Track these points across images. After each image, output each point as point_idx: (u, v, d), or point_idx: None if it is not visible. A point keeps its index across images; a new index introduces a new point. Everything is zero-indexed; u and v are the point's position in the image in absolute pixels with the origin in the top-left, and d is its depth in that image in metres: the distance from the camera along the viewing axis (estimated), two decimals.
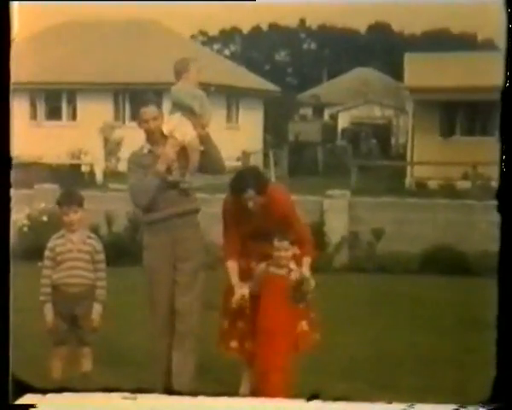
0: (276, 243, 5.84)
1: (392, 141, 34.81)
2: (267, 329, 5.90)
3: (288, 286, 5.90)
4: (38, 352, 6.34)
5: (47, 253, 6.08)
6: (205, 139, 6.08)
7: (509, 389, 4.61)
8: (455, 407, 4.94)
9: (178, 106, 6.03)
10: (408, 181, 24.38)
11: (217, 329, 6.41)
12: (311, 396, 5.08)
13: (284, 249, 5.85)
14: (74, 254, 6.05)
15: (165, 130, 5.95)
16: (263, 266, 5.98)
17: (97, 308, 6.07)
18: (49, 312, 6.02)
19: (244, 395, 6.18)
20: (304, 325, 6.18)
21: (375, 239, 12.22)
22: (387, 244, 12.14)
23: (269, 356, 5.89)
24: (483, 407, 4.72)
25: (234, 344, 6.30)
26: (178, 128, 5.94)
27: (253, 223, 6.02)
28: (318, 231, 12.34)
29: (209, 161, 6.08)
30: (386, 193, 16.52)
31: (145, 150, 5.99)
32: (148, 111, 5.94)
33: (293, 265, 5.95)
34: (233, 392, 5.36)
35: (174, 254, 5.95)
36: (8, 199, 4.68)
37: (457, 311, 9.25)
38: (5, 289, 4.63)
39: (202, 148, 6.04)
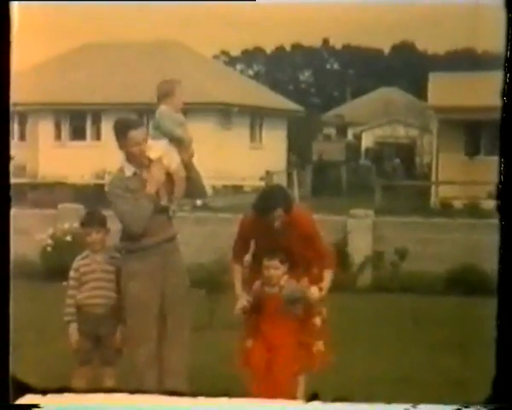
0: (266, 262, 5.88)
1: (417, 160, 34.65)
2: (270, 347, 5.94)
3: (280, 303, 5.91)
4: (63, 371, 6.32)
5: (72, 273, 6.07)
6: (189, 166, 6.03)
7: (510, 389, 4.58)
8: (456, 407, 4.89)
9: (162, 131, 5.94)
10: (432, 200, 24.25)
11: (235, 349, 6.38)
12: (311, 396, 5.04)
13: (274, 268, 5.88)
14: (98, 275, 6.03)
15: (153, 155, 5.84)
16: (258, 284, 6.00)
17: (121, 329, 6.02)
18: (74, 332, 5.99)
19: None
20: (320, 345, 6.16)
21: (399, 259, 12.13)
22: (411, 264, 12.05)
23: (274, 374, 5.92)
24: (484, 407, 4.67)
25: (257, 363, 6.26)
26: (165, 154, 5.88)
27: (274, 241, 6.01)
28: (342, 250, 12.30)
29: (192, 187, 6.05)
30: (411, 213, 16.41)
31: (129, 173, 5.87)
32: (138, 134, 5.84)
33: (284, 282, 5.94)
34: (233, 392, 5.30)
35: (164, 279, 5.84)
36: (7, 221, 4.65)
37: (482, 331, 9.14)
38: (5, 287, 4.60)
39: (186, 174, 5.99)
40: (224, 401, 5.10)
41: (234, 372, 6.30)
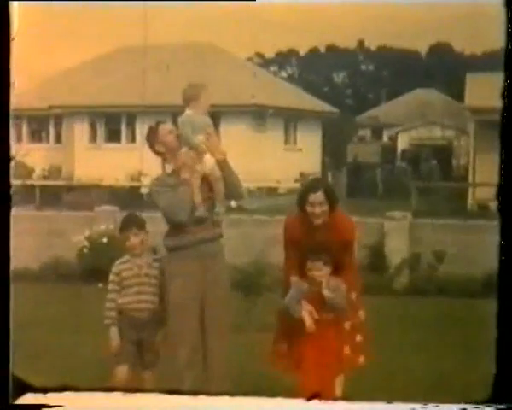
0: (310, 263, 5.83)
1: (454, 162, 34.38)
2: (313, 348, 5.91)
3: (322, 305, 5.88)
4: (100, 372, 6.31)
5: (112, 277, 5.99)
6: (223, 166, 6.01)
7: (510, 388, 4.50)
8: (456, 407, 4.82)
9: (182, 139, 5.95)
10: (469, 202, 24.02)
11: (270, 351, 6.35)
12: (311, 396, 4.98)
13: (317, 269, 5.84)
14: (142, 279, 5.97)
15: (188, 160, 5.86)
16: (300, 284, 5.96)
17: (162, 332, 6.01)
18: (115, 335, 5.93)
19: None
20: (346, 349, 6.12)
21: (436, 261, 12.03)
22: (449, 266, 11.94)
23: (316, 375, 5.89)
24: (484, 407, 4.60)
25: (291, 365, 6.25)
26: (197, 158, 5.88)
27: (317, 241, 5.98)
28: (379, 252, 12.24)
29: (229, 188, 6.00)
30: (448, 215, 16.27)
31: (168, 170, 5.94)
32: (166, 127, 5.93)
33: (326, 283, 5.89)
34: (233, 392, 5.25)
35: (205, 281, 5.83)
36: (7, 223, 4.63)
37: None
38: (5, 288, 4.58)
39: (222, 174, 5.97)
40: (224, 400, 5.06)
41: (272, 373, 6.32)
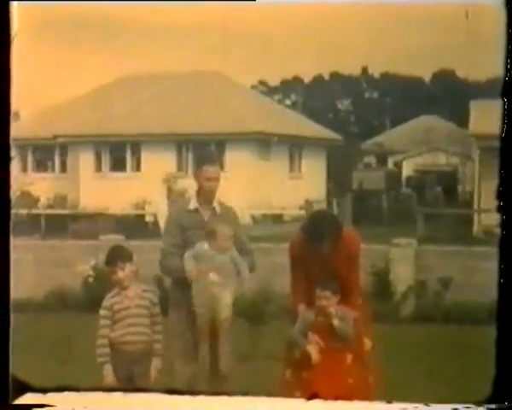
0: (318, 292, 5.85)
1: (459, 188, 34.36)
2: (319, 379, 5.89)
3: (330, 334, 5.90)
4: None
5: (103, 312, 5.90)
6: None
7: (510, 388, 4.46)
8: (455, 406, 4.77)
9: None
10: (475, 229, 23.96)
11: (279, 380, 6.33)
12: (311, 396, 4.94)
13: (326, 298, 5.85)
14: (133, 311, 5.89)
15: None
16: (308, 313, 5.98)
17: (155, 364, 5.93)
18: (109, 373, 5.82)
19: None
20: (350, 380, 6.09)
21: (442, 288, 11.98)
22: (455, 293, 11.88)
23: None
24: (484, 406, 4.56)
25: (297, 394, 6.22)
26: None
27: (324, 267, 5.96)
28: (384, 279, 12.20)
29: None
30: (454, 241, 16.22)
31: (191, 206, 6.00)
32: (213, 170, 6.00)
33: (335, 312, 5.91)
34: (233, 392, 5.21)
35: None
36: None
37: None
38: (5, 288, 4.55)
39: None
40: (224, 400, 5.03)
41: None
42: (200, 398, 5.04)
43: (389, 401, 4.96)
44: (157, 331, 5.96)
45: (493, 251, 13.96)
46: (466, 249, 13.49)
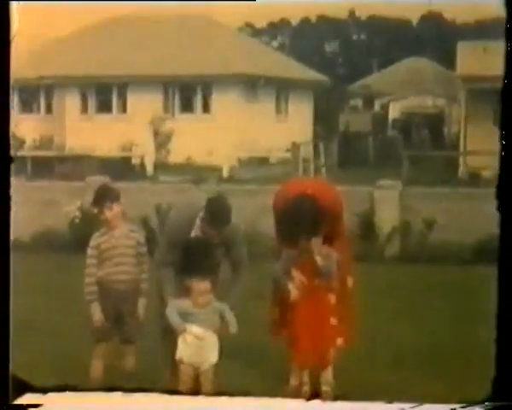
0: (301, 238, 5.93)
1: (445, 131, 34.35)
2: (304, 318, 6.03)
3: (316, 273, 6.02)
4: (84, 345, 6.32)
5: (90, 251, 5.95)
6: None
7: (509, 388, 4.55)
8: (455, 406, 4.87)
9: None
10: (461, 171, 24.04)
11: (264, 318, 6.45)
12: (311, 396, 5.04)
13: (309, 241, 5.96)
14: (120, 250, 5.95)
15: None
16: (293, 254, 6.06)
17: (142, 302, 6.01)
18: (97, 311, 5.89)
19: (294, 387, 6.20)
20: (333, 320, 6.18)
21: (426, 229, 12.08)
22: (439, 234, 11.99)
23: (310, 345, 5.98)
24: (483, 406, 4.64)
25: (284, 332, 6.32)
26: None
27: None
28: (369, 221, 12.28)
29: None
30: (439, 183, 16.30)
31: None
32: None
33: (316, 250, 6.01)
34: (233, 391, 5.30)
35: None
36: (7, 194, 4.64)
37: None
38: (5, 289, 4.60)
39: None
40: (224, 400, 5.11)
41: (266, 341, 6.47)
42: (201, 398, 5.12)
43: (389, 401, 5.03)
44: (143, 270, 6.01)
45: (478, 192, 14.12)
46: (451, 191, 13.56)
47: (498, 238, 4.61)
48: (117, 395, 5.04)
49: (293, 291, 6.01)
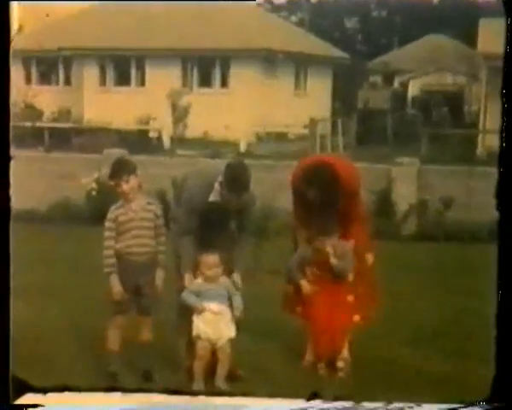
0: (317, 232, 6.06)
1: (465, 109, 34.10)
2: (320, 296, 6.14)
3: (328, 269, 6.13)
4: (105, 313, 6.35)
5: (108, 224, 5.94)
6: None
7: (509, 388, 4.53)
8: (455, 406, 4.86)
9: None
10: (479, 149, 23.88)
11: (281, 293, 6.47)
12: (311, 396, 5.04)
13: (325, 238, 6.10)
14: (137, 223, 5.94)
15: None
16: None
17: (160, 275, 6.01)
18: (116, 283, 5.89)
19: (309, 363, 6.22)
20: (350, 297, 6.20)
21: (443, 207, 12.03)
22: (457, 213, 11.94)
23: (327, 322, 6.03)
24: (483, 406, 4.63)
25: (299, 309, 6.34)
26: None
27: (323, 202, 6.03)
28: (386, 198, 12.25)
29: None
30: (457, 161, 16.21)
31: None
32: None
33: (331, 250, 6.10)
34: (233, 392, 5.31)
35: None
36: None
37: None
38: (5, 290, 4.60)
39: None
40: (224, 400, 5.12)
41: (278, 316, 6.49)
42: (201, 398, 5.13)
43: (389, 402, 5.02)
44: (161, 243, 6.03)
45: (496, 171, 13.98)
46: (469, 169, 13.49)
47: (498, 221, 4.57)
48: (117, 395, 5.06)
49: (306, 288, 6.08)
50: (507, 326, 4.50)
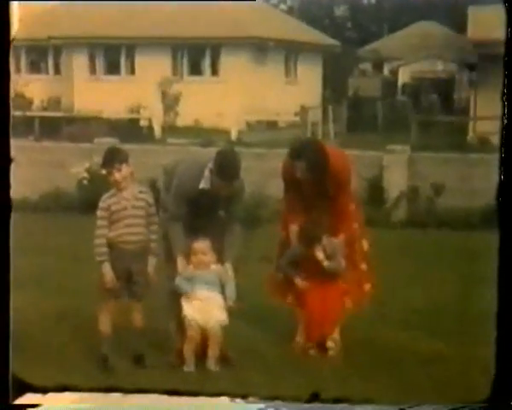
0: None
1: (455, 96, 34.14)
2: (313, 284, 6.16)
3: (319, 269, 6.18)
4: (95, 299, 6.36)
5: (100, 213, 5.99)
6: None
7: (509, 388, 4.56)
8: (454, 406, 4.89)
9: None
10: (470, 136, 23.92)
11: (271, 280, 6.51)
12: (311, 396, 5.07)
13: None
14: (130, 211, 5.98)
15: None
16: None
17: (152, 262, 6.06)
18: (108, 271, 5.93)
19: (299, 343, 6.27)
20: (342, 285, 6.27)
21: (434, 194, 12.06)
22: (448, 199, 11.97)
23: (319, 310, 6.08)
24: (483, 406, 4.66)
25: (290, 298, 6.38)
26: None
27: (314, 191, 6.05)
28: (377, 186, 12.26)
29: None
30: (448, 148, 16.24)
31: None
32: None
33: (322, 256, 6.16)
34: (233, 391, 5.34)
35: None
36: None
37: None
38: (5, 292, 4.61)
39: None
40: (224, 400, 5.14)
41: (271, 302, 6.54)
42: (200, 398, 5.15)
43: (389, 401, 5.06)
44: (153, 231, 6.07)
45: (487, 158, 14.05)
46: (459, 156, 13.53)
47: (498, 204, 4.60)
48: (117, 395, 5.08)
49: (300, 283, 6.15)
50: (507, 326, 4.51)
